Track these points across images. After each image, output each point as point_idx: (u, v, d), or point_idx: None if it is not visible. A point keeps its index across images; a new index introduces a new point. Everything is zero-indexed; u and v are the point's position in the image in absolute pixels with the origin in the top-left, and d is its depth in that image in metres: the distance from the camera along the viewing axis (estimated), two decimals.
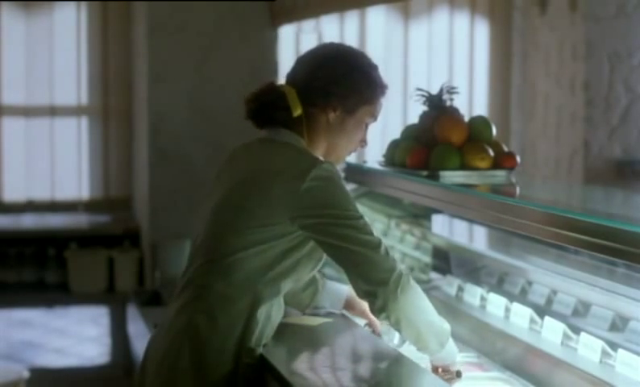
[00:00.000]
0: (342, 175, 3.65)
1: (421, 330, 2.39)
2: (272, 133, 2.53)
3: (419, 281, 3.16)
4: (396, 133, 3.18)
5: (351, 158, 3.51)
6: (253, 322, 2.42)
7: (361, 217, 2.39)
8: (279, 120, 2.50)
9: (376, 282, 2.34)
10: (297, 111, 2.48)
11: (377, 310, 2.37)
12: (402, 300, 2.34)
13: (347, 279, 2.43)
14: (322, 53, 2.56)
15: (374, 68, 2.56)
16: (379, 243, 2.37)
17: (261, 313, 2.43)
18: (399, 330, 2.40)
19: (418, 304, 2.38)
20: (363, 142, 2.57)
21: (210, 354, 2.39)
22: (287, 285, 2.47)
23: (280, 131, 2.51)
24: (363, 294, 2.40)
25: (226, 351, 2.40)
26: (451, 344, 2.46)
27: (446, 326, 2.45)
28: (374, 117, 2.56)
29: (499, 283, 3.00)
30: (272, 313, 2.47)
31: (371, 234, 2.38)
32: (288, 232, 2.40)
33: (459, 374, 2.46)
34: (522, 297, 2.83)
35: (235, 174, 2.51)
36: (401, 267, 2.39)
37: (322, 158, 2.50)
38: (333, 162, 2.52)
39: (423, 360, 2.48)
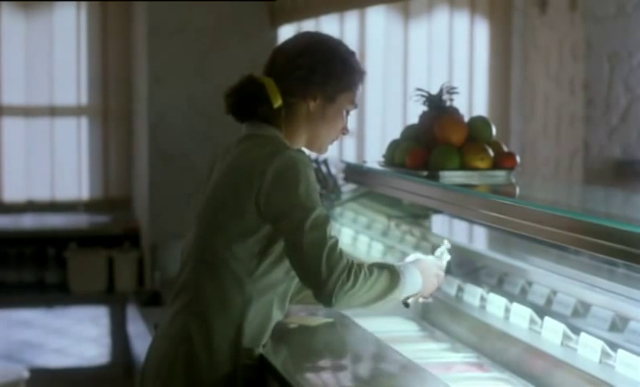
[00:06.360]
0: (342, 174, 3.65)
1: (366, 306, 2.41)
2: (252, 128, 2.52)
3: None
4: (396, 133, 3.18)
5: (351, 158, 3.51)
6: (246, 321, 2.42)
7: (315, 208, 2.35)
8: (259, 113, 2.49)
9: (312, 283, 2.34)
10: (278, 102, 2.47)
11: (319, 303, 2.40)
12: (336, 305, 2.35)
13: None
14: (299, 43, 2.55)
15: (352, 54, 2.56)
16: (323, 242, 2.32)
17: (256, 311, 2.43)
18: None
19: (355, 299, 2.37)
20: (344, 129, 2.57)
21: (206, 357, 2.39)
22: (279, 281, 2.45)
23: (260, 125, 2.50)
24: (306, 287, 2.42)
25: (222, 353, 2.40)
26: (404, 284, 2.45)
27: (382, 279, 2.41)
28: (354, 104, 2.56)
29: (499, 283, 2.99)
30: (272, 312, 2.47)
31: (321, 228, 2.33)
32: (262, 223, 2.39)
33: (405, 304, 2.52)
34: (522, 297, 2.83)
35: (216, 175, 2.52)
36: (346, 262, 2.34)
37: (304, 148, 2.50)
38: (314, 151, 2.52)
39: (423, 360, 2.48)
